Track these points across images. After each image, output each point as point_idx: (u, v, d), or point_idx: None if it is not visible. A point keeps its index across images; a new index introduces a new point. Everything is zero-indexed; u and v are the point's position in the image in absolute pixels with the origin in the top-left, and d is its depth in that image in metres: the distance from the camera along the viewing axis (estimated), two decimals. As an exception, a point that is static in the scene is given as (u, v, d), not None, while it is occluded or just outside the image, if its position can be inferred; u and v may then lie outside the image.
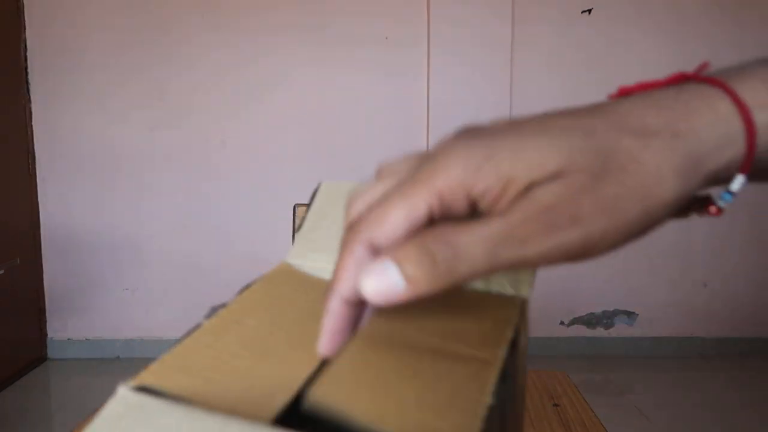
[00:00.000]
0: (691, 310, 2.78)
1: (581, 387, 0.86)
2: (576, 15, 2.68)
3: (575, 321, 2.82)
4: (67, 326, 2.80)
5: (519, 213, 0.21)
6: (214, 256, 2.77)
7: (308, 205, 0.38)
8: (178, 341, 0.27)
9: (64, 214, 2.75)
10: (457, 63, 2.66)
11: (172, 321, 2.78)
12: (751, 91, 0.23)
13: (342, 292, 0.25)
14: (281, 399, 0.21)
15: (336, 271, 0.25)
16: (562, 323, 2.82)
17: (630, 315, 2.81)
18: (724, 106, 0.23)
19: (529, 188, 0.22)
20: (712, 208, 0.25)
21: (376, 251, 0.24)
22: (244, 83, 2.70)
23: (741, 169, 0.23)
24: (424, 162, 0.23)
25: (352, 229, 0.24)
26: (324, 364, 0.24)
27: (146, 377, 0.23)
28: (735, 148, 0.23)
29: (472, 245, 0.21)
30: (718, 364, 2.67)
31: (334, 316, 0.25)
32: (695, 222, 2.73)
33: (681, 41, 2.69)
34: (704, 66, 0.25)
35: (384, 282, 0.22)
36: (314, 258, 0.35)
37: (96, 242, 2.75)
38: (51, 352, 2.80)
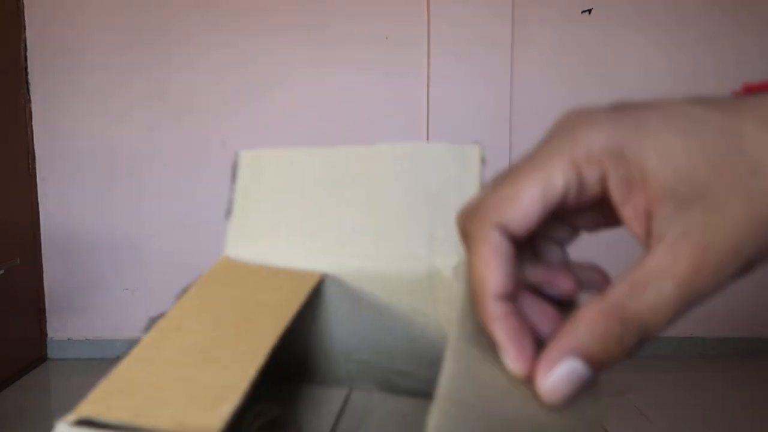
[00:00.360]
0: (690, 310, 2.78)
1: (581, 387, 0.86)
2: (576, 15, 2.68)
3: (575, 321, 2.82)
4: (67, 326, 2.80)
5: (684, 263, 0.20)
6: (214, 256, 2.74)
7: (233, 182, 0.35)
8: (118, 361, 0.26)
9: (64, 214, 2.75)
10: (457, 63, 2.66)
11: (172, 321, 2.78)
12: None
13: (495, 291, 0.21)
14: (227, 408, 0.20)
15: (474, 271, 0.22)
16: (562, 323, 2.82)
17: (630, 315, 2.81)
18: None
19: (668, 201, 0.20)
20: None
21: (511, 236, 0.21)
22: (244, 83, 2.70)
23: None
24: (551, 135, 0.21)
25: (474, 214, 0.22)
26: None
27: (85, 408, 0.23)
28: None
29: (654, 316, 0.20)
30: (718, 364, 2.67)
31: (504, 321, 0.22)
32: (695, 222, 2.73)
33: (681, 41, 2.68)
34: None
35: (574, 377, 0.20)
36: (254, 249, 0.33)
37: (96, 242, 2.75)
38: (51, 352, 2.80)
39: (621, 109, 0.21)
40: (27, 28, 2.65)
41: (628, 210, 0.21)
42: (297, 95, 2.71)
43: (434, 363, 0.31)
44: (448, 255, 0.30)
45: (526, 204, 0.20)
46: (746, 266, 0.20)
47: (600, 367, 0.20)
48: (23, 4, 2.64)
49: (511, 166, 0.22)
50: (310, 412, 0.35)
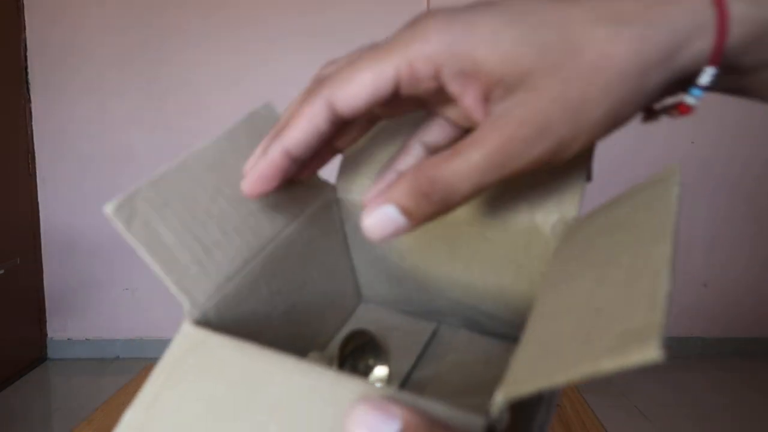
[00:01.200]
0: (691, 310, 2.78)
1: (581, 387, 0.86)
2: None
3: (575, 321, 2.82)
4: (67, 326, 2.80)
5: (496, 135, 0.22)
6: (214, 256, 2.76)
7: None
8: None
9: (64, 214, 2.75)
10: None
11: (172, 321, 2.78)
12: None
13: (287, 142, 0.25)
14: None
15: (287, 118, 0.26)
16: (562, 323, 2.82)
17: (630, 315, 2.81)
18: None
19: (499, 86, 0.22)
20: (682, 107, 0.25)
21: (334, 112, 0.24)
22: (245, 84, 2.70)
23: (710, 60, 0.22)
24: (399, 32, 0.23)
25: (317, 83, 0.25)
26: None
27: None
28: (706, 39, 0.22)
29: (459, 179, 0.22)
30: (719, 364, 2.67)
31: (269, 163, 0.26)
32: (695, 222, 2.73)
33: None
34: None
35: (387, 221, 0.23)
36: None
37: (96, 242, 2.75)
38: (51, 352, 2.80)
39: (462, 9, 0.22)
40: (27, 28, 2.65)
41: (467, 100, 0.23)
42: (296, 96, 2.71)
43: (521, 311, 0.33)
44: (549, 212, 0.31)
45: (357, 88, 0.23)
46: (558, 148, 0.22)
47: (414, 219, 0.23)
48: (23, 4, 2.64)
49: (369, 46, 0.24)
50: (399, 338, 0.37)
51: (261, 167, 0.26)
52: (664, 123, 2.71)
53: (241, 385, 0.21)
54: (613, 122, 0.23)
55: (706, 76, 0.22)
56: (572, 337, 0.18)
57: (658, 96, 0.23)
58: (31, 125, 2.70)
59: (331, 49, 2.69)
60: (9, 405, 2.33)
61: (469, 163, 0.22)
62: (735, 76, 0.24)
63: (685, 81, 0.23)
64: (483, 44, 0.21)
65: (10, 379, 2.50)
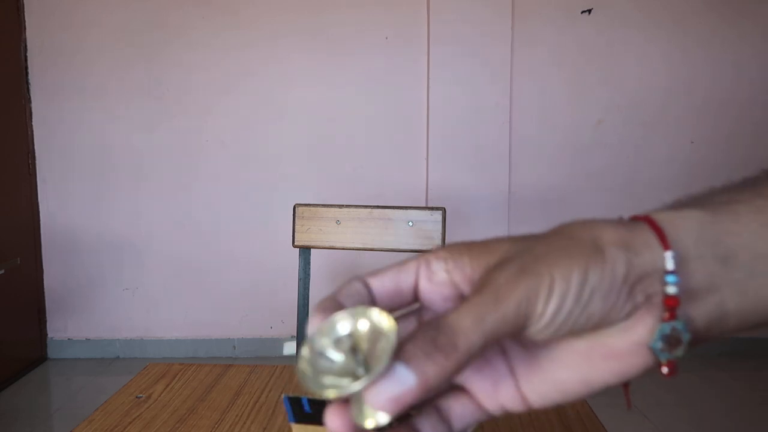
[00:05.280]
0: (691, 310, 2.78)
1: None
2: (576, 15, 2.68)
3: (575, 321, 2.82)
4: (67, 326, 2.80)
5: (486, 288, 0.25)
6: (213, 255, 2.77)
7: None
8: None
9: (64, 214, 2.75)
10: (457, 62, 2.66)
11: (172, 321, 2.78)
12: (662, 215, 0.27)
13: (322, 305, 0.27)
14: None
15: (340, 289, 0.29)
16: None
17: (630, 315, 2.81)
18: (646, 229, 0.27)
19: (488, 270, 0.27)
20: (669, 300, 0.26)
21: (367, 286, 0.28)
22: (244, 83, 2.70)
23: (664, 247, 0.26)
24: (412, 260, 0.30)
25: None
26: None
27: None
28: (655, 254, 0.26)
29: (461, 320, 0.24)
30: (718, 364, 2.67)
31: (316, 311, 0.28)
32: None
33: (680, 41, 2.68)
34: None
35: (396, 384, 0.23)
36: None
37: (96, 242, 2.75)
38: (51, 352, 2.80)
39: (528, 264, 0.26)
40: (27, 28, 2.65)
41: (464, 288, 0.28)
42: (297, 95, 2.71)
43: None
44: None
45: (385, 275, 0.28)
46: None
47: (421, 374, 0.23)
48: (23, 4, 2.64)
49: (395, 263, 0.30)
50: None
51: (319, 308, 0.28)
52: (664, 123, 2.72)
53: None
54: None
55: (669, 262, 0.26)
56: None
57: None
58: (31, 125, 2.70)
59: (332, 50, 2.69)
60: (9, 405, 2.33)
61: (469, 304, 0.25)
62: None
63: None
64: (476, 249, 0.28)
65: (10, 379, 2.50)
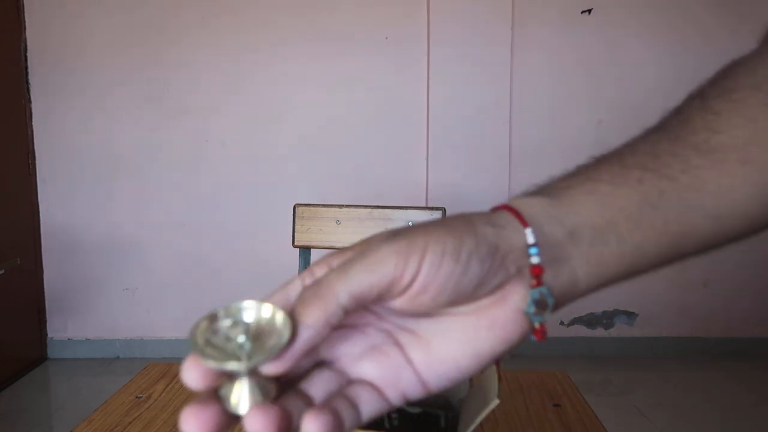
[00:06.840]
0: (691, 310, 2.78)
1: (581, 387, 0.86)
2: (576, 15, 2.68)
3: (575, 321, 2.82)
4: (67, 326, 2.80)
5: (357, 248, 0.29)
6: (214, 255, 2.77)
7: None
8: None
9: (64, 215, 2.75)
10: (457, 62, 2.66)
11: (172, 321, 2.78)
12: (516, 201, 0.32)
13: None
14: None
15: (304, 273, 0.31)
16: (562, 323, 2.82)
17: (630, 315, 2.81)
18: (507, 214, 0.31)
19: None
20: (534, 269, 0.30)
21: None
22: (243, 83, 2.70)
23: (522, 225, 0.30)
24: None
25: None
26: None
27: None
28: (517, 232, 0.30)
29: (332, 274, 0.27)
30: (718, 364, 2.67)
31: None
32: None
33: (680, 42, 2.69)
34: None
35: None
36: None
37: (96, 242, 2.75)
38: (51, 352, 2.80)
39: (401, 232, 0.29)
40: (27, 28, 2.65)
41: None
42: (297, 95, 2.71)
43: None
44: None
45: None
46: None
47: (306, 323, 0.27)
48: (23, 4, 2.64)
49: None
50: None
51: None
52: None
53: None
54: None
55: (529, 236, 0.30)
56: None
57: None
58: (31, 125, 2.70)
59: (332, 50, 2.69)
60: (9, 405, 2.33)
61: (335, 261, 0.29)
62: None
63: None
64: (425, 253, 0.29)
65: (10, 379, 2.50)
